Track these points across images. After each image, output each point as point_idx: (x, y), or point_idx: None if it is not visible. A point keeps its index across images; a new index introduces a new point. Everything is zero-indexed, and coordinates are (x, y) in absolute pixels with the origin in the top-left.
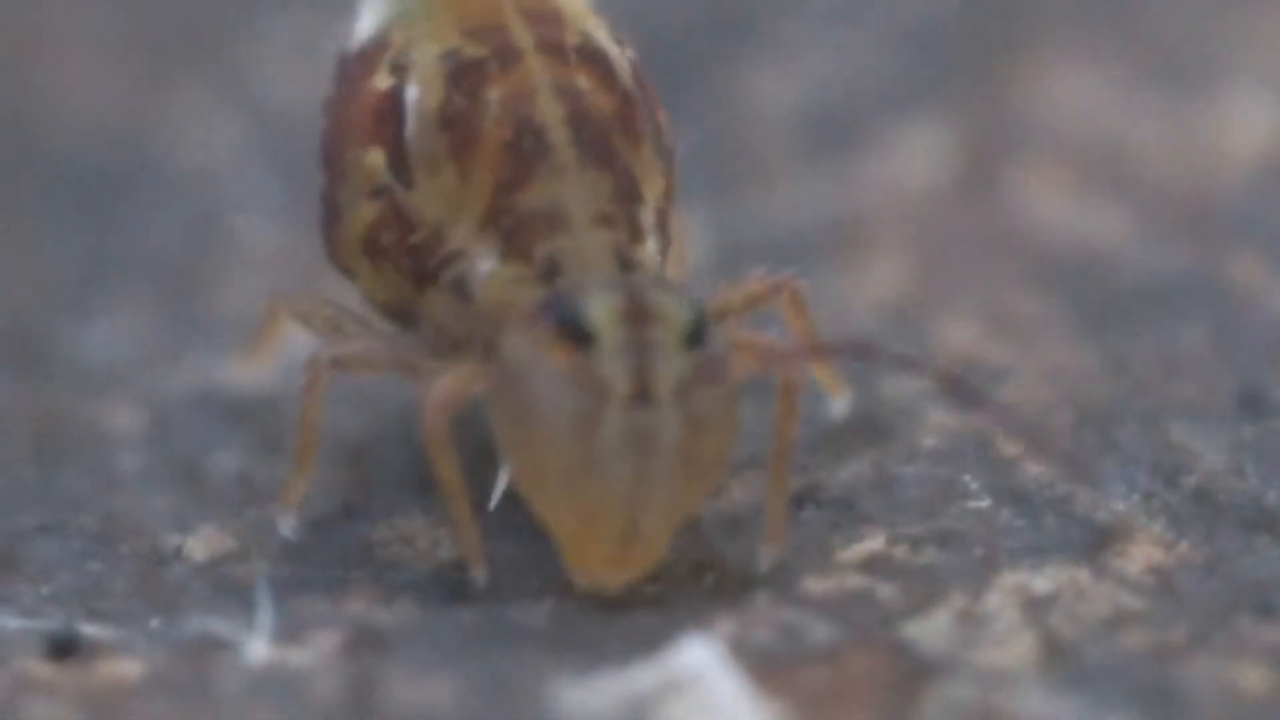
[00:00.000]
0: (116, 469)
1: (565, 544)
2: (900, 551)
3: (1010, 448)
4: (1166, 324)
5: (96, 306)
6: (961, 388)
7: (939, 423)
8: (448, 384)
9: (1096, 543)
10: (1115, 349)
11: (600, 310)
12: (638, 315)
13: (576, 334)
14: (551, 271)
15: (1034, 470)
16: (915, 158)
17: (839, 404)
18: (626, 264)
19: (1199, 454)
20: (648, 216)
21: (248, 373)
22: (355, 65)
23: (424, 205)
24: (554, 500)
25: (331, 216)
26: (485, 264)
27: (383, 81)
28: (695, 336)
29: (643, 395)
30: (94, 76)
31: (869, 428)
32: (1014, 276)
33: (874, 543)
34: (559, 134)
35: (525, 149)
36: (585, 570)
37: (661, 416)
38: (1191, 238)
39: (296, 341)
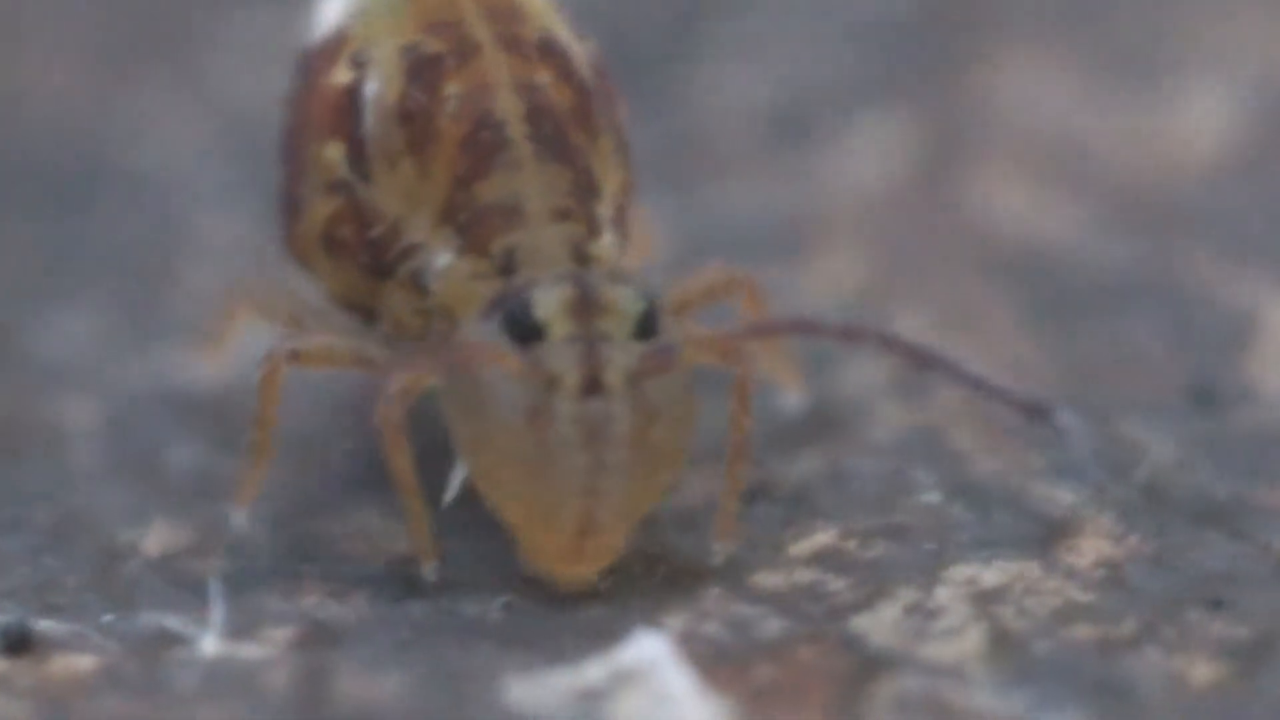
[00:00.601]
0: (73, 464)
1: (521, 538)
2: (851, 545)
3: (962, 442)
4: (1120, 318)
5: (55, 302)
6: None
7: (892, 417)
8: (402, 377)
9: (1046, 536)
10: (1068, 343)
11: (549, 305)
12: (587, 308)
13: (526, 330)
14: (509, 266)
15: (986, 464)
16: (873, 153)
17: (793, 398)
18: (583, 258)
19: (1150, 448)
20: (605, 211)
21: (205, 363)
22: (315, 60)
23: (382, 199)
24: (509, 493)
25: (290, 211)
26: (443, 258)
27: (342, 76)
28: (646, 328)
29: (592, 386)
30: (55, 73)
31: (822, 422)
32: (970, 271)
33: (825, 537)
34: (517, 129)
35: (483, 144)
36: (542, 564)
37: (613, 407)
38: (1146, 232)
39: (254, 336)
